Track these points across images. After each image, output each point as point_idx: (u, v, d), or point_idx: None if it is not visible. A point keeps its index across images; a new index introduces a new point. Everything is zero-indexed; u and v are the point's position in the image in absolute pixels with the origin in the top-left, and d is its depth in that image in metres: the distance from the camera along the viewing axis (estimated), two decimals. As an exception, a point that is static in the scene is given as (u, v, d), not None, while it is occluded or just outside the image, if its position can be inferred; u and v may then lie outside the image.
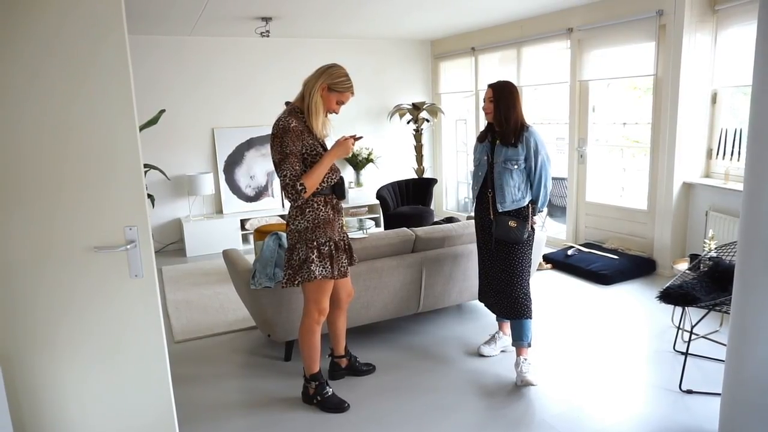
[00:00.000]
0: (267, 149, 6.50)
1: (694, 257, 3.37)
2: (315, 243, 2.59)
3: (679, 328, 3.29)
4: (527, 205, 2.99)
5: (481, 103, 3.11)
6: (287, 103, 2.73)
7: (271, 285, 3.00)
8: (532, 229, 3.01)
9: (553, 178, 6.20)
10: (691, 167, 4.55)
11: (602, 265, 4.66)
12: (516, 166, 2.92)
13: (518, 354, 3.05)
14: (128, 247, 1.83)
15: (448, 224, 3.75)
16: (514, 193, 2.94)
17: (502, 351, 3.33)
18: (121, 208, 1.83)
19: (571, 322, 3.82)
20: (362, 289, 3.28)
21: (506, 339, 3.34)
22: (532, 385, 2.90)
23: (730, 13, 4.20)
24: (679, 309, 3.35)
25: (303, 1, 4.51)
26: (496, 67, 6.29)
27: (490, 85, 2.99)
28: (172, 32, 5.74)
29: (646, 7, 4.49)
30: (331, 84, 2.62)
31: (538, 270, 4.69)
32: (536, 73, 5.78)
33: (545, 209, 3.18)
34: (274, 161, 2.57)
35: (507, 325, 3.34)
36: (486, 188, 3.03)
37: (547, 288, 4.51)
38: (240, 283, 3.29)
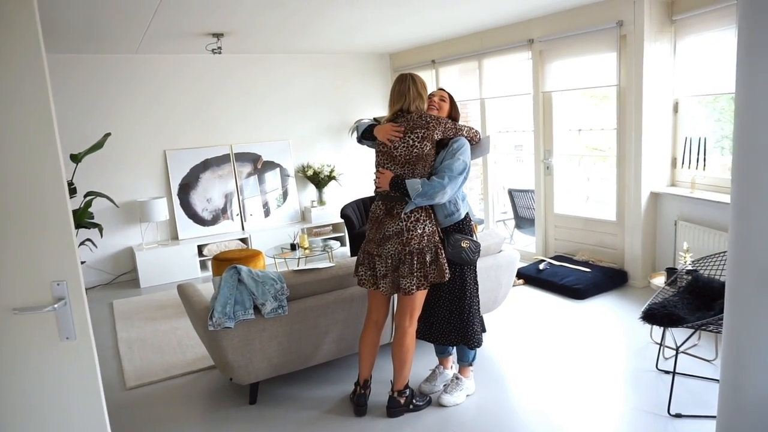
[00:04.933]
0: (223, 170, 6.20)
1: (670, 271, 3.30)
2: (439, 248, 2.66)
3: (661, 345, 3.20)
4: (466, 220, 2.82)
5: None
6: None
7: (231, 325, 2.73)
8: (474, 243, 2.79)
9: (521, 191, 6.18)
10: (657, 177, 4.53)
11: (575, 278, 4.58)
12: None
13: (459, 373, 2.99)
14: (56, 306, 1.56)
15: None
16: (446, 207, 2.75)
17: (445, 385, 3.04)
18: (47, 260, 1.56)
19: (547, 339, 3.69)
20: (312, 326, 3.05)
21: (448, 374, 3.13)
22: (444, 406, 2.88)
23: (688, 23, 4.21)
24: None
25: (253, 16, 4.28)
26: (457, 80, 6.20)
27: (442, 89, 2.96)
28: (117, 50, 5.40)
29: (606, 18, 4.47)
30: None
31: (513, 286, 4.56)
32: (498, 84, 5.71)
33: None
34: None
35: (449, 360, 3.16)
36: None
37: (520, 304, 4.39)
38: (197, 322, 3.01)
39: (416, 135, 2.63)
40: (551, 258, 5.19)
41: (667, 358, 3.21)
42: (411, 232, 2.60)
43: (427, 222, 2.64)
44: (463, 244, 2.69)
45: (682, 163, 4.46)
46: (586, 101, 6.43)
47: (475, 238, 2.80)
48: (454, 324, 2.84)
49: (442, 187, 2.59)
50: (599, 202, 6.37)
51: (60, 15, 3.83)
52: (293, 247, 5.18)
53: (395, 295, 2.91)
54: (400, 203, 2.64)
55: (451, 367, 3.16)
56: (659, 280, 3.54)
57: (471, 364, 3.01)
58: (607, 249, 4.92)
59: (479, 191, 6.56)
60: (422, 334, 2.96)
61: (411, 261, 2.60)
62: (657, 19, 4.25)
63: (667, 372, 3.06)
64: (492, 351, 3.58)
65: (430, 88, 2.95)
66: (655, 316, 2.63)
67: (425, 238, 2.63)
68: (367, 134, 2.81)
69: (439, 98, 2.85)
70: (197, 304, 2.99)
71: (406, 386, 2.83)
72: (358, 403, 2.85)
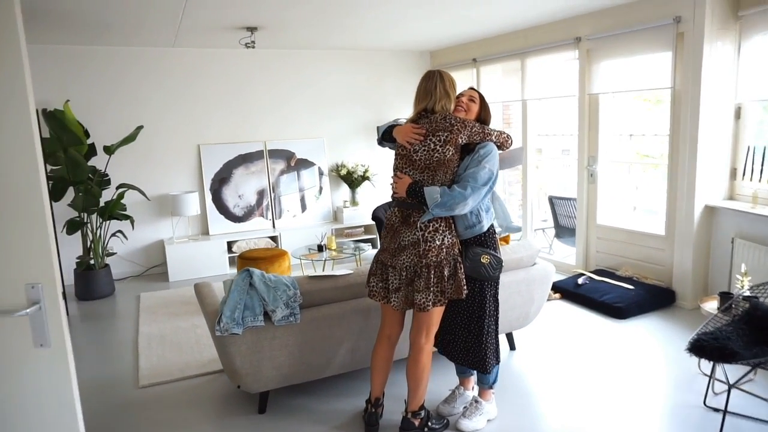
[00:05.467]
0: (256, 166, 6.14)
1: (725, 296, 2.96)
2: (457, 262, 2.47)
3: (710, 378, 2.86)
4: (490, 232, 2.57)
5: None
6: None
7: (239, 331, 2.60)
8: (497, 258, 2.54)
9: (561, 198, 5.84)
10: (713, 188, 4.14)
11: (616, 296, 4.24)
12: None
13: (479, 396, 2.76)
14: (29, 311, 1.44)
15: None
16: (467, 218, 2.51)
17: (465, 408, 2.80)
18: (21, 260, 1.45)
19: (582, 362, 3.39)
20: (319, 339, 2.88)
21: (468, 395, 2.89)
22: (462, 431, 2.65)
23: (756, 20, 3.81)
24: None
25: (285, 9, 4.16)
26: (499, 79, 5.92)
27: (472, 88, 2.71)
28: (154, 44, 5.41)
29: (662, 14, 4.12)
30: None
31: (547, 300, 4.28)
32: (541, 85, 5.40)
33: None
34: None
35: (470, 380, 2.91)
36: None
37: (555, 321, 4.09)
38: (209, 325, 2.90)
39: (438, 138, 2.41)
40: (591, 272, 4.86)
41: (717, 394, 2.88)
42: (429, 243, 2.39)
43: (447, 233, 2.42)
44: (483, 259, 2.45)
45: (743, 174, 4.06)
46: (637, 105, 6.02)
47: (498, 253, 2.56)
48: (471, 345, 2.62)
49: (464, 198, 2.35)
50: (647, 212, 5.97)
51: (93, 8, 3.82)
52: (320, 248, 5.05)
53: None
54: (418, 211, 2.43)
55: (473, 387, 2.93)
56: (711, 306, 3.20)
57: (491, 387, 2.78)
58: (653, 265, 4.55)
59: (518, 197, 6.26)
60: (440, 348, 2.75)
61: (428, 275, 2.39)
62: (720, 15, 3.87)
63: (716, 410, 2.73)
64: (519, 371, 3.33)
65: (465, 87, 2.73)
66: (704, 348, 2.33)
67: (444, 250, 2.41)
68: (387, 136, 2.61)
69: (467, 98, 2.60)
70: (209, 306, 2.88)
71: (422, 407, 2.62)
72: (369, 423, 2.66)
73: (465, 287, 2.45)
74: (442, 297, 2.43)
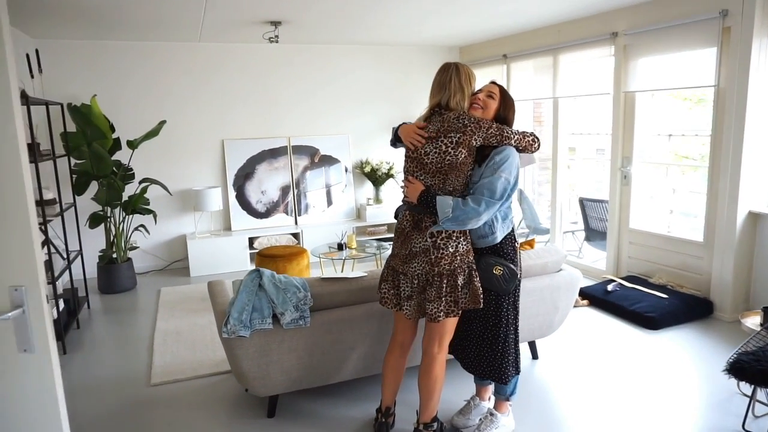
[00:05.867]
0: (280, 162, 6.09)
1: (768, 312, 2.73)
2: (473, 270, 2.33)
3: (751, 399, 2.64)
4: (507, 239, 2.37)
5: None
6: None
7: (246, 334, 2.52)
8: (515, 270, 2.35)
9: (593, 201, 5.60)
10: (758, 193, 3.87)
11: (649, 305, 4.01)
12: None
13: (495, 408, 2.60)
14: (11, 315, 1.38)
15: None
16: (479, 227, 2.31)
17: (480, 420, 2.65)
18: (4, 262, 1.38)
19: (609, 375, 3.20)
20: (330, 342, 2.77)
21: (485, 406, 2.74)
22: None
23: (811, 13, 3.52)
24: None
25: (310, 3, 4.06)
26: (530, 76, 5.70)
27: (493, 82, 2.45)
28: (180, 38, 5.40)
29: (707, 7, 3.85)
30: None
31: (574, 307, 4.08)
32: (575, 82, 5.17)
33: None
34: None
35: (487, 390, 2.76)
36: None
37: (581, 329, 3.89)
38: (218, 325, 2.83)
39: (450, 139, 2.21)
40: (622, 278, 4.62)
41: (758, 417, 2.65)
42: (441, 251, 2.24)
43: (461, 239, 2.27)
44: (495, 270, 2.28)
45: (792, 179, 3.77)
46: (677, 104, 5.72)
47: (515, 264, 2.37)
48: (485, 356, 2.47)
49: (477, 214, 2.16)
50: (684, 215, 5.67)
51: (121, 4, 3.80)
52: (340, 246, 4.95)
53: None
54: (429, 216, 2.27)
55: (490, 398, 2.78)
56: (753, 321, 2.96)
57: (509, 399, 2.62)
58: (690, 273, 4.29)
59: (548, 197, 6.03)
60: (455, 353, 2.61)
61: (440, 283, 2.24)
62: (771, 8, 3.59)
63: (756, 436, 2.52)
64: (541, 382, 3.16)
65: (492, 82, 2.51)
66: (745, 370, 2.13)
67: (458, 257, 2.26)
68: (398, 135, 2.47)
69: (485, 94, 2.37)
70: (219, 306, 2.80)
71: (435, 418, 2.49)
72: None
73: (481, 296, 2.30)
74: (455, 307, 2.28)
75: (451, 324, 2.35)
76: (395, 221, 2.51)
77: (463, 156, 2.23)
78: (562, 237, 5.71)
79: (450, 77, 2.29)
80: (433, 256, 2.24)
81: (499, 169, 2.21)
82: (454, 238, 2.25)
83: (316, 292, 2.71)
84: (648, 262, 4.63)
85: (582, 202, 5.69)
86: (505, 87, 6.24)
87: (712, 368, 3.24)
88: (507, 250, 2.38)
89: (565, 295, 3.24)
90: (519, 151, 2.32)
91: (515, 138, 2.29)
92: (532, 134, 2.36)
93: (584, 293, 4.40)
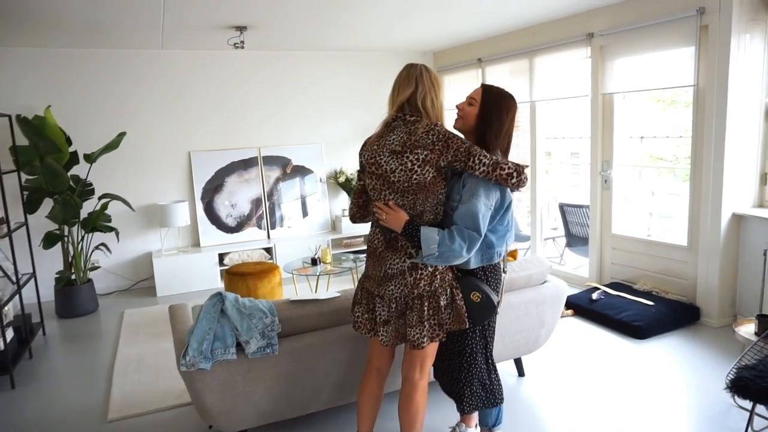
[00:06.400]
0: (250, 174, 5.84)
1: (763, 320, 2.59)
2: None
3: (751, 414, 2.49)
4: (491, 269, 2.14)
5: None
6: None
7: (207, 366, 2.28)
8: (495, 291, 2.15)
9: (573, 206, 5.48)
10: (742, 195, 3.78)
11: (635, 313, 3.88)
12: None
13: None
14: None
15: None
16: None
17: None
18: None
19: (597, 389, 3.03)
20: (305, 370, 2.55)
21: None
22: None
23: (789, 10, 3.46)
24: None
25: (276, 6, 3.86)
26: (505, 80, 5.58)
27: (483, 85, 2.17)
28: (141, 46, 5.14)
29: (683, 5, 3.77)
30: None
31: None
32: (551, 85, 5.06)
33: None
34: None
35: (473, 417, 2.55)
36: None
37: (567, 341, 3.74)
38: (176, 357, 2.58)
39: (416, 156, 1.95)
40: (606, 285, 4.50)
41: (757, 431, 2.51)
42: (420, 271, 2.03)
43: None
44: (473, 296, 2.06)
45: (775, 180, 3.69)
46: (650, 106, 5.66)
47: (495, 293, 2.13)
48: (453, 377, 2.27)
49: (460, 254, 1.94)
50: (665, 218, 5.59)
51: (75, 8, 3.54)
52: (314, 261, 4.72)
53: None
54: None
55: (476, 425, 2.58)
56: (747, 330, 2.83)
57: (491, 430, 2.43)
58: (675, 279, 4.18)
59: (527, 203, 5.90)
60: (435, 374, 2.42)
61: (420, 306, 2.04)
62: (749, 5, 3.52)
63: (757, 454, 2.37)
64: (528, 400, 2.98)
65: (469, 89, 2.22)
66: (749, 388, 1.97)
67: (438, 276, 2.05)
68: None
69: (467, 102, 2.13)
70: (178, 333, 2.55)
71: None
72: None
73: (467, 316, 2.10)
74: (440, 330, 2.07)
75: (432, 347, 2.15)
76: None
77: (431, 176, 1.98)
78: (543, 244, 5.58)
79: (420, 72, 2.04)
80: (411, 278, 2.03)
81: (473, 194, 1.96)
82: None
83: (285, 316, 2.49)
84: (632, 268, 4.52)
85: (562, 207, 5.57)
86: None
87: (705, 379, 3.10)
88: (491, 276, 2.16)
89: (551, 309, 3.07)
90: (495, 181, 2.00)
91: (482, 169, 1.95)
92: (513, 167, 1.99)
93: (569, 302, 4.25)
